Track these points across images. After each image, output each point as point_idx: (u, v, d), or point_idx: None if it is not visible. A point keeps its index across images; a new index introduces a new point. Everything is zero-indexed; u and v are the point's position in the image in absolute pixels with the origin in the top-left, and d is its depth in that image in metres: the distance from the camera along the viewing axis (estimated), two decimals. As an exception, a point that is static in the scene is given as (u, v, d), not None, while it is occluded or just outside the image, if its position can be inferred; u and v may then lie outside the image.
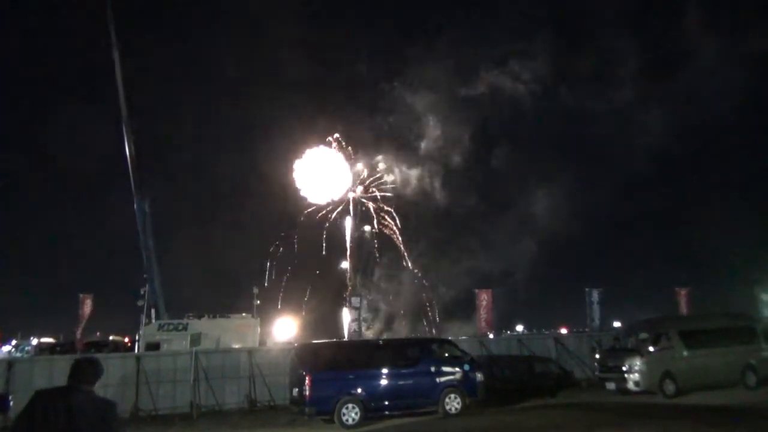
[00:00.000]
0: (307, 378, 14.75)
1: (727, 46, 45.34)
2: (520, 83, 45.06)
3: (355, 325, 24.90)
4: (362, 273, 46.69)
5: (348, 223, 47.42)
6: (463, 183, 47.26)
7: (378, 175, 49.55)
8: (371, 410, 15.12)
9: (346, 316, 37.69)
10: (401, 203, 48.78)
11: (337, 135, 49.85)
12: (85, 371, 4.03)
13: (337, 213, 48.82)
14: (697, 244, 46.49)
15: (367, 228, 48.72)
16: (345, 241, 47.80)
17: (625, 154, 48.80)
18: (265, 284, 38.37)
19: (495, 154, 47.96)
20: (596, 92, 50.61)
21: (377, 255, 48.07)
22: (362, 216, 49.09)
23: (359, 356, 16.39)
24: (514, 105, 47.77)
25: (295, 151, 52.61)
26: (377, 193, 49.36)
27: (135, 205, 28.14)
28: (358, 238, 48.42)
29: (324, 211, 49.21)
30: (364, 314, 25.10)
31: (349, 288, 44.36)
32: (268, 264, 44.28)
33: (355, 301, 26.36)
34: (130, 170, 28.14)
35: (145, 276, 27.94)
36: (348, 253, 47.58)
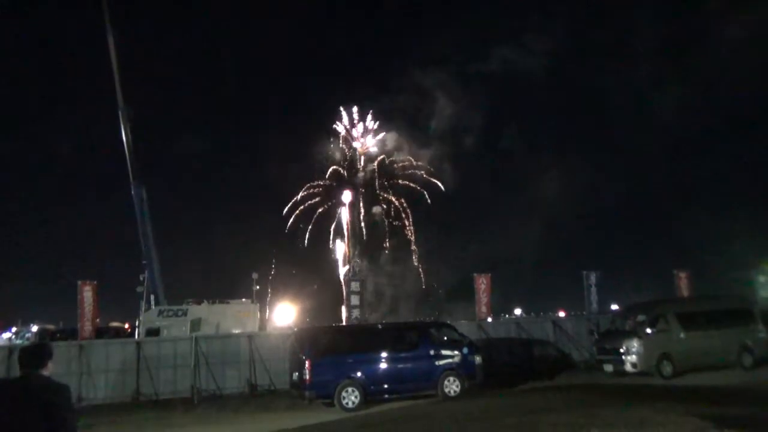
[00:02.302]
0: (307, 362, 14.87)
1: (749, 27, 44.77)
2: (533, 59, 44.45)
3: (356, 312, 24.92)
4: (369, 257, 46.83)
5: (347, 197, 47.40)
6: (472, 165, 47.33)
7: (386, 156, 49.47)
8: (371, 394, 15.28)
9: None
10: (409, 185, 48.89)
11: (344, 114, 49.87)
12: (33, 356, 4.08)
13: (342, 193, 48.95)
14: (697, 226, 46.63)
15: (376, 209, 48.71)
16: (351, 224, 47.95)
17: (634, 134, 48.72)
18: (272, 268, 38.33)
19: (504, 135, 47.96)
20: (611, 70, 50.12)
21: (387, 237, 48.22)
22: (372, 197, 49.12)
23: (359, 340, 16.51)
24: (526, 82, 47.40)
25: (300, 132, 52.71)
26: (386, 176, 49.50)
27: (132, 192, 28.08)
28: (368, 220, 48.48)
29: (325, 192, 49.32)
30: (360, 301, 25.15)
31: (348, 268, 44.41)
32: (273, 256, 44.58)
33: (354, 285, 26.39)
34: (127, 156, 28.05)
35: (144, 262, 27.98)
36: (346, 230, 47.61)
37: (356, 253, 48.12)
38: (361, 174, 49.56)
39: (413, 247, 48.72)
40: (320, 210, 48.89)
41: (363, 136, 49.93)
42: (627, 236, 57.75)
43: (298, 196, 48.76)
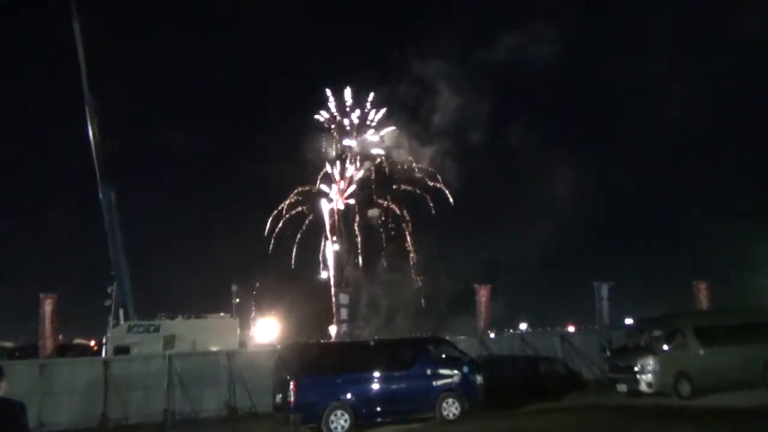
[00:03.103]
0: (291, 383, 14.85)
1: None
2: (543, 46, 44.50)
3: (345, 326, 24.95)
4: (363, 264, 46.77)
5: (337, 202, 47.36)
6: (476, 164, 47.37)
7: (383, 155, 49.39)
8: (362, 417, 15.26)
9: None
10: (409, 185, 48.86)
11: (335, 108, 49.74)
12: None
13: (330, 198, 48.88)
14: (718, 234, 46.85)
15: (373, 212, 48.53)
16: (343, 229, 47.88)
17: (649, 130, 48.87)
18: (255, 280, 38.26)
19: (511, 131, 48.02)
20: (629, 61, 50.14)
21: (383, 242, 48.18)
22: (368, 198, 49.10)
23: (349, 358, 16.51)
24: (535, 74, 47.44)
25: (289, 129, 52.48)
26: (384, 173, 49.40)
27: (100, 195, 27.97)
28: (363, 224, 48.40)
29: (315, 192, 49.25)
30: (350, 315, 25.18)
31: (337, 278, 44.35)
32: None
33: (343, 297, 26.42)
34: (94, 155, 27.94)
35: (112, 273, 27.84)
36: (328, 229, 47.49)
37: (349, 260, 48.09)
38: (356, 172, 49.40)
39: (412, 254, 48.77)
40: (309, 217, 48.78)
41: (359, 128, 49.63)
42: (642, 243, 57.81)
43: (285, 203, 48.67)
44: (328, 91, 49.68)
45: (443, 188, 47.84)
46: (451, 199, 47.98)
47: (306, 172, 49.10)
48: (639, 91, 49.92)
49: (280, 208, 48.64)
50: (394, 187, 48.95)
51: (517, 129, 49.31)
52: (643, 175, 54.81)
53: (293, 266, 47.94)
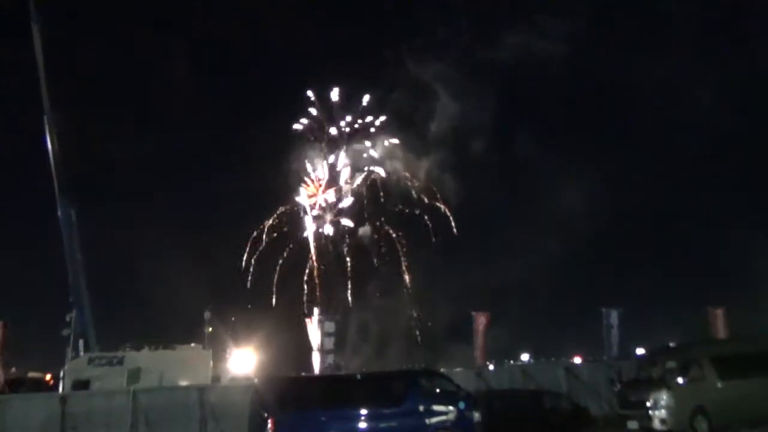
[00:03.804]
0: (270, 420, 14.70)
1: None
2: (550, 47, 44.49)
3: (330, 358, 24.80)
4: (354, 287, 46.47)
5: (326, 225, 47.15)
6: (476, 178, 47.19)
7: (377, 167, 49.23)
8: (348, 458, 15.12)
9: (315, 341, 37.54)
10: (405, 202, 48.67)
11: (320, 114, 49.51)
12: None
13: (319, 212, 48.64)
14: (734, 257, 47.06)
15: (365, 231, 48.22)
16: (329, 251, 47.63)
17: (664, 142, 48.88)
18: (232, 319, 37.91)
19: (516, 140, 47.87)
20: (642, 63, 49.99)
21: (376, 263, 47.91)
22: (358, 215, 48.85)
23: (333, 393, 16.38)
24: (542, 74, 47.24)
25: (269, 140, 51.84)
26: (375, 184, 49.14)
27: (59, 213, 27.84)
28: (354, 244, 48.14)
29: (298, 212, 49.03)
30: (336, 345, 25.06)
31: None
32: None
33: (328, 326, 26.25)
34: (53, 170, 27.86)
35: (71, 299, 27.63)
36: (313, 252, 47.21)
37: (336, 284, 47.69)
38: (346, 187, 49.21)
39: (406, 277, 48.50)
40: (290, 246, 48.44)
41: (349, 138, 49.33)
42: (654, 267, 57.79)
43: (266, 224, 48.35)
44: (311, 93, 49.24)
45: (441, 206, 47.74)
46: (450, 218, 47.82)
47: (289, 188, 48.89)
48: (656, 99, 50.06)
49: (261, 227, 48.34)
50: (388, 207, 48.77)
51: (522, 139, 49.15)
52: (656, 193, 54.97)
53: (274, 291, 47.55)
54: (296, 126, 48.68)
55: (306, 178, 48.97)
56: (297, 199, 48.71)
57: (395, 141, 47.77)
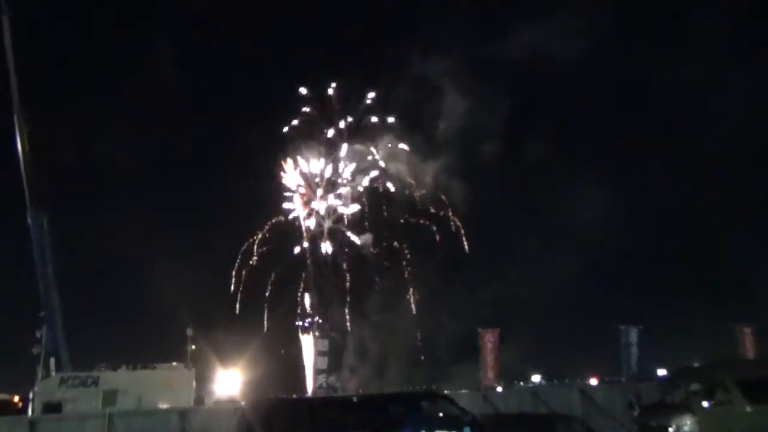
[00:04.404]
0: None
1: None
2: (566, 43, 44.14)
3: (323, 378, 24.76)
4: (352, 301, 46.28)
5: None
6: (487, 182, 46.97)
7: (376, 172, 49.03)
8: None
9: (309, 360, 37.35)
10: (409, 211, 48.41)
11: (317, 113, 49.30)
12: None
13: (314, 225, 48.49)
14: (764, 271, 46.97)
15: (365, 239, 47.87)
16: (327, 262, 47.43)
17: (690, 146, 48.41)
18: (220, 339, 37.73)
19: (529, 143, 47.60)
20: (667, 61, 49.54)
21: (376, 275, 47.64)
22: (358, 224, 48.57)
23: (326, 417, 16.26)
24: (557, 72, 46.71)
25: (260, 142, 51.40)
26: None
27: (29, 220, 27.81)
28: (353, 255, 47.92)
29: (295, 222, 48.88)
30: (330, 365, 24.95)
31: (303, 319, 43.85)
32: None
33: (322, 344, 26.19)
34: (23, 173, 27.84)
35: (42, 314, 27.58)
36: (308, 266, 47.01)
37: (333, 298, 47.38)
38: (346, 191, 48.92)
39: (410, 290, 48.21)
40: (285, 252, 48.28)
41: (350, 136, 48.98)
42: (677, 281, 57.50)
43: (257, 236, 48.10)
44: (304, 90, 49.01)
45: (449, 215, 47.52)
46: (460, 228, 47.60)
47: (281, 195, 48.71)
48: (684, 102, 49.56)
49: (252, 239, 48.07)
50: (391, 215, 48.51)
51: (535, 142, 48.85)
52: (680, 203, 54.48)
53: (265, 307, 47.27)
54: (287, 128, 48.51)
55: (300, 184, 48.83)
56: (290, 206, 48.52)
57: (401, 145, 47.50)
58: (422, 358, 45.78)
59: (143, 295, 49.55)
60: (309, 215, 48.54)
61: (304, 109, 48.92)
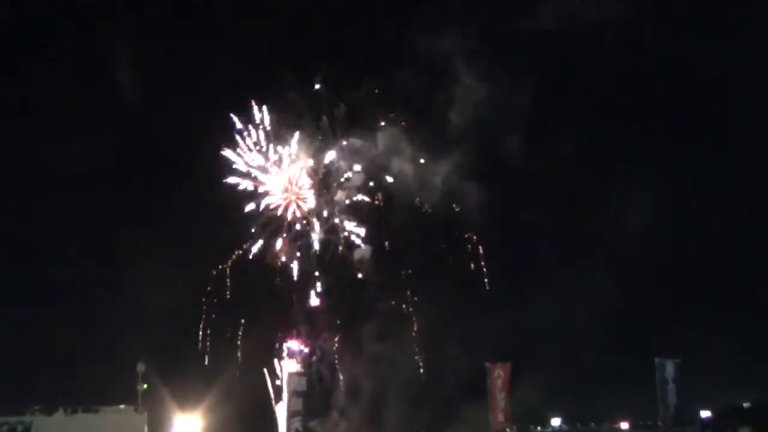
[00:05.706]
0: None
1: None
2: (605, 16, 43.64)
3: (297, 421, 24.60)
4: (344, 331, 46.02)
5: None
6: (503, 188, 46.59)
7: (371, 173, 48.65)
8: None
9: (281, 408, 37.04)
10: (412, 221, 47.98)
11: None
12: None
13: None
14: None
15: (362, 254, 47.38)
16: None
17: (747, 143, 48.14)
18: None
19: (558, 141, 47.14)
20: (722, 38, 49.11)
21: (373, 300, 47.15)
22: (347, 236, 48.17)
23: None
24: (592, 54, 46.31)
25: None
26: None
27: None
28: (347, 274, 47.56)
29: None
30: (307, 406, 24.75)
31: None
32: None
33: (299, 383, 25.90)
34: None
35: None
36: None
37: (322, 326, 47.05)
38: (339, 194, 48.48)
39: (412, 317, 47.86)
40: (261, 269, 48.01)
41: (346, 128, 48.42)
42: (720, 309, 57.12)
43: (228, 263, 47.81)
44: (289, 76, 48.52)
45: (461, 227, 47.27)
46: (473, 241, 47.41)
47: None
48: (745, 90, 49.13)
49: (221, 266, 47.61)
50: (392, 222, 48.13)
51: (566, 139, 48.33)
52: (728, 216, 54.04)
53: (239, 337, 46.82)
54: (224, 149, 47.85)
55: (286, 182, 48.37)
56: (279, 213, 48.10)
57: (403, 137, 47.02)
58: (424, 395, 45.49)
59: (87, 326, 49.27)
60: (294, 221, 48.26)
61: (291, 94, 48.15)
